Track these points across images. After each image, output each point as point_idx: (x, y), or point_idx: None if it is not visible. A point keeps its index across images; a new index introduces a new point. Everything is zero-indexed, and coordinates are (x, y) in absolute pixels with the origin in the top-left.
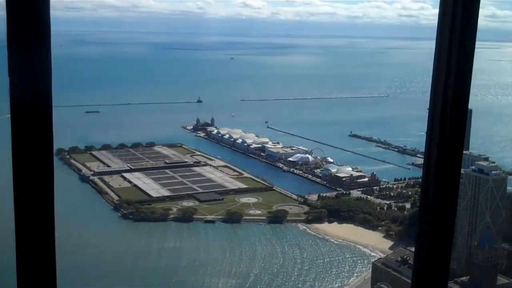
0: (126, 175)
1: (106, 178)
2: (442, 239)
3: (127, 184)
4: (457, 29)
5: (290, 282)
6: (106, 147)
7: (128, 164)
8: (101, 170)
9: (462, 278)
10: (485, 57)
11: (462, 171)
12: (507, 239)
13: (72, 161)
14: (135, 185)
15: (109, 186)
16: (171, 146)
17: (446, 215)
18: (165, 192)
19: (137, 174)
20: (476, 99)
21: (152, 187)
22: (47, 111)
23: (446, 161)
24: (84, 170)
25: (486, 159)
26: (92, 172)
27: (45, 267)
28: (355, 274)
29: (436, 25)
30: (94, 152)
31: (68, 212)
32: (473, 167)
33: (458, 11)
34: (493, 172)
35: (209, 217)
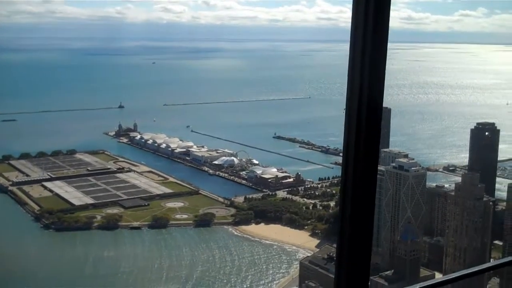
0: (46, 184)
1: (25, 188)
2: (362, 234)
3: (48, 193)
4: (369, 31)
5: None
6: (24, 156)
7: (49, 173)
8: (20, 180)
9: (386, 272)
10: (403, 57)
11: (383, 168)
12: (428, 233)
13: None
14: (57, 194)
15: (29, 196)
16: (93, 153)
17: (364, 210)
18: (88, 200)
19: (58, 182)
20: (398, 98)
21: (75, 196)
22: None
23: (363, 158)
24: (1, 180)
25: (406, 156)
26: (10, 182)
27: None
28: (283, 272)
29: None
30: (12, 162)
31: None
32: (393, 164)
33: (369, 13)
34: (412, 168)
35: (135, 224)
